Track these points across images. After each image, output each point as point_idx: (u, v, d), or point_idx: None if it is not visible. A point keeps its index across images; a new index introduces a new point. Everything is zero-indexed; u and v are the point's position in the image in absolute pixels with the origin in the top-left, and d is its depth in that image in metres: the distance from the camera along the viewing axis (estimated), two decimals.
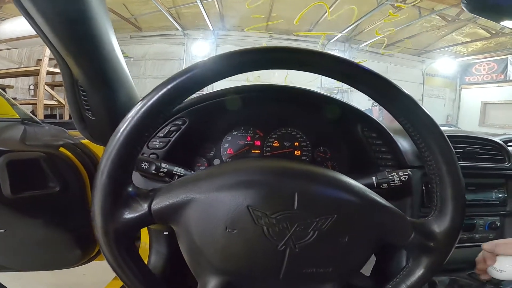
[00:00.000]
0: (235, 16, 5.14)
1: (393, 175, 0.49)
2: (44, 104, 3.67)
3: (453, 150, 0.30)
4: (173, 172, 0.46)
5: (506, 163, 0.71)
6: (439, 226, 0.31)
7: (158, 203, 0.28)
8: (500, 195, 0.71)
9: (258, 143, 0.61)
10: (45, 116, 3.88)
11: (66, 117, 4.17)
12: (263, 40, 5.73)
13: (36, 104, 3.55)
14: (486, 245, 0.50)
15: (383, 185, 0.49)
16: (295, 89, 0.57)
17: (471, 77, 6.52)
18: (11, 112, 0.78)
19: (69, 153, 0.63)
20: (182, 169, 0.47)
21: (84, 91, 0.42)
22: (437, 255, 0.30)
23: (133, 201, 0.27)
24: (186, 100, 0.44)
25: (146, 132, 0.27)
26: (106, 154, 0.26)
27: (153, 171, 0.45)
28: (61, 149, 0.63)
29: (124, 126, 0.26)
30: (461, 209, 0.30)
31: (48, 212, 0.61)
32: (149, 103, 0.26)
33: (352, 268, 0.31)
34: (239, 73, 0.28)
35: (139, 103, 0.27)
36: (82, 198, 0.65)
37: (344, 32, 5.18)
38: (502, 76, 5.78)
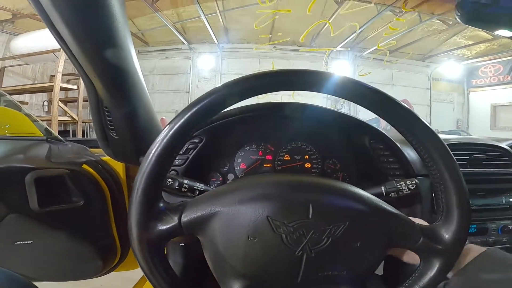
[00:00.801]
0: (240, 29, 5.26)
1: (401, 184, 0.51)
2: (58, 120, 3.75)
3: (454, 158, 0.32)
4: (194, 187, 0.50)
5: None
6: (446, 230, 0.32)
7: (187, 216, 0.31)
8: (511, 199, 0.71)
9: (269, 157, 0.63)
10: (59, 132, 3.97)
11: (79, 133, 4.27)
12: (267, 52, 5.83)
13: (50, 120, 3.64)
14: None
15: (392, 194, 0.51)
16: (302, 105, 0.60)
17: (478, 80, 6.45)
18: (34, 130, 0.83)
19: (91, 170, 0.67)
20: (202, 185, 0.51)
21: (109, 111, 0.45)
22: (446, 257, 0.32)
23: (164, 214, 0.31)
24: None
25: (174, 153, 0.31)
26: (140, 173, 0.29)
27: (176, 187, 0.49)
28: (84, 166, 0.67)
29: (155, 148, 0.29)
30: (466, 213, 0.32)
31: (72, 225, 0.64)
32: (176, 127, 0.30)
33: (365, 270, 0.33)
34: (258, 95, 0.31)
35: (167, 126, 0.30)
36: (104, 212, 0.69)
37: (345, 41, 5.23)
38: (509, 78, 5.71)
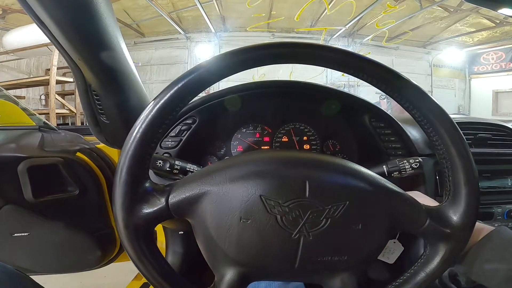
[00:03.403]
0: (236, 17, 5.16)
1: (403, 163, 0.48)
2: (56, 113, 3.73)
3: (462, 133, 0.30)
4: (187, 168, 0.47)
5: None
6: (454, 212, 0.30)
7: (175, 197, 0.28)
8: None
9: (267, 139, 0.62)
10: (58, 125, 3.95)
11: (78, 124, 4.25)
12: (266, 39, 5.73)
13: (48, 113, 3.62)
14: None
15: (395, 173, 0.48)
16: (300, 83, 0.57)
17: (479, 67, 6.39)
18: (27, 120, 0.81)
19: (86, 158, 0.65)
20: (195, 166, 0.48)
21: (98, 95, 0.44)
22: (455, 241, 0.30)
23: (151, 196, 0.28)
24: (195, 99, 0.45)
25: (160, 129, 0.28)
26: (123, 152, 0.27)
27: (167, 169, 0.46)
28: (78, 154, 0.65)
29: (139, 125, 0.27)
30: (474, 192, 0.29)
31: (69, 215, 0.63)
32: (161, 102, 0.27)
33: (367, 256, 0.30)
34: (242, 70, 0.29)
35: (152, 102, 0.28)
36: (100, 201, 0.67)
37: (346, 27, 5.14)
38: (511, 65, 5.66)
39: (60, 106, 3.98)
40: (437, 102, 0.30)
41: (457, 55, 6.33)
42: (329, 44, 0.31)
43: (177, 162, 0.47)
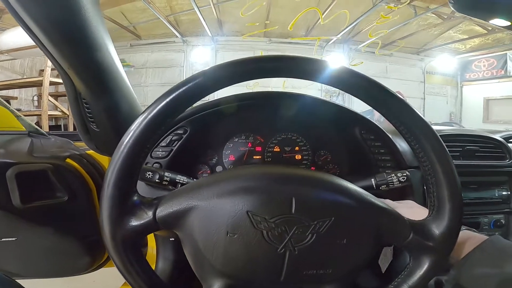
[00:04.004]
0: (233, 22, 5.18)
1: (391, 176, 0.49)
2: (49, 115, 3.69)
3: (447, 150, 0.30)
4: (176, 180, 0.48)
5: (507, 160, 0.71)
6: (437, 226, 0.31)
7: (162, 211, 0.29)
8: (504, 193, 0.70)
9: (259, 149, 0.62)
10: (50, 127, 3.90)
11: (71, 127, 4.20)
12: (262, 45, 5.77)
13: (41, 115, 3.57)
14: None
15: (382, 186, 0.49)
16: (293, 95, 0.58)
17: (471, 74, 6.50)
18: (17, 125, 0.80)
19: (75, 164, 0.65)
20: (185, 177, 0.49)
21: (87, 103, 0.44)
22: (438, 254, 0.31)
23: (138, 209, 0.29)
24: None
25: (148, 144, 0.28)
26: (111, 165, 0.27)
27: (156, 180, 0.47)
28: (68, 160, 0.65)
29: (127, 139, 0.27)
30: (458, 208, 0.30)
31: (57, 221, 0.62)
32: (150, 116, 0.27)
33: (353, 268, 0.31)
34: (235, 83, 0.29)
35: (140, 116, 0.28)
36: (90, 207, 0.67)
37: (338, 36, 5.21)
38: (503, 72, 5.77)
39: (53, 107, 3.93)
40: (424, 118, 0.30)
41: (450, 62, 6.44)
42: (316, 56, 0.31)
43: (166, 174, 0.47)
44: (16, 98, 4.38)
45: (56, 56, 0.36)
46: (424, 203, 0.58)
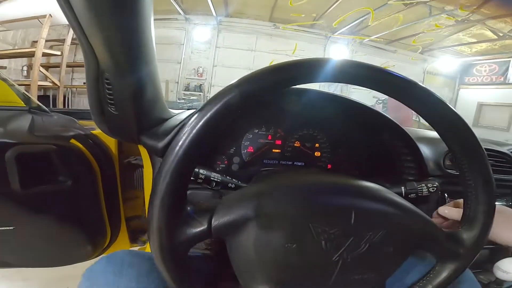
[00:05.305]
0: (239, 2, 4.99)
1: (421, 186, 0.51)
2: (39, 85, 3.57)
3: (493, 175, 0.33)
4: (211, 178, 0.47)
5: None
6: (468, 236, 0.34)
7: (218, 220, 0.28)
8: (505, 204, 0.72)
9: (279, 142, 0.60)
10: (39, 97, 3.77)
11: (60, 98, 4.11)
12: (266, 29, 5.61)
13: (29, 85, 3.45)
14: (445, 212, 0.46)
15: (411, 195, 0.50)
16: (322, 93, 0.55)
17: (470, 78, 6.52)
18: (15, 100, 0.74)
19: (80, 145, 0.61)
20: (219, 175, 0.48)
21: (110, 84, 0.39)
22: (463, 261, 0.34)
23: (192, 218, 0.28)
24: None
25: (206, 146, 0.27)
26: (164, 170, 0.25)
27: (191, 178, 0.45)
28: (73, 140, 0.60)
29: (182, 140, 0.25)
30: (489, 223, 0.33)
31: (59, 207, 0.58)
32: (208, 115, 0.25)
33: (391, 272, 0.34)
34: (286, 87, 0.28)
35: (197, 115, 0.25)
36: (94, 192, 0.63)
37: (348, 26, 5.09)
38: (502, 78, 5.79)
39: (43, 78, 3.80)
40: (479, 141, 0.32)
41: (452, 64, 6.45)
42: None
43: (201, 171, 0.46)
44: (5, 67, 4.22)
45: (87, 27, 0.32)
46: (435, 209, 0.59)
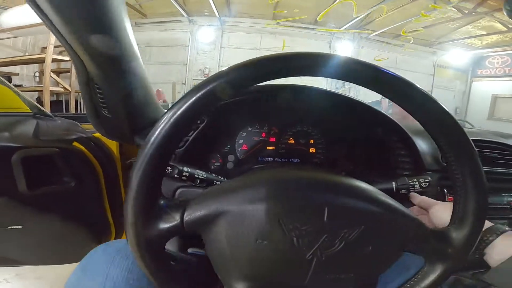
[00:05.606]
0: (242, 2, 5.00)
1: (413, 182, 0.49)
2: (50, 90, 3.67)
3: (484, 173, 0.30)
4: (195, 175, 0.47)
5: None
6: (458, 235, 0.31)
7: (190, 214, 0.28)
8: (511, 199, 0.70)
9: (273, 139, 0.61)
10: (52, 103, 3.88)
11: (72, 103, 4.21)
12: (269, 27, 5.60)
13: (42, 91, 3.54)
14: (418, 202, 0.45)
15: (403, 190, 0.49)
16: (316, 90, 0.55)
17: (483, 70, 6.33)
18: (20, 105, 0.77)
19: (83, 148, 0.63)
20: (204, 172, 0.48)
21: (100, 88, 0.41)
22: (453, 261, 0.31)
23: (164, 212, 0.28)
24: None
25: (177, 141, 0.27)
26: (137, 166, 0.26)
27: (175, 175, 0.46)
28: (75, 143, 0.63)
29: (154, 137, 0.25)
30: (481, 221, 0.31)
31: (64, 207, 0.61)
32: (179, 112, 0.25)
33: (373, 273, 0.32)
34: (266, 81, 0.27)
35: (169, 112, 0.25)
36: (97, 192, 0.66)
37: (352, 21, 5.01)
38: None
39: (54, 83, 3.89)
40: (468, 137, 0.29)
41: (463, 57, 6.26)
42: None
43: (185, 169, 0.47)
44: (17, 74, 4.36)
45: (70, 40, 0.34)
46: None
